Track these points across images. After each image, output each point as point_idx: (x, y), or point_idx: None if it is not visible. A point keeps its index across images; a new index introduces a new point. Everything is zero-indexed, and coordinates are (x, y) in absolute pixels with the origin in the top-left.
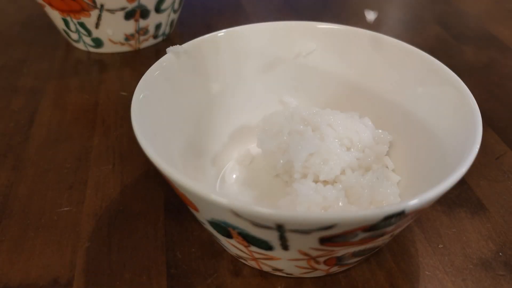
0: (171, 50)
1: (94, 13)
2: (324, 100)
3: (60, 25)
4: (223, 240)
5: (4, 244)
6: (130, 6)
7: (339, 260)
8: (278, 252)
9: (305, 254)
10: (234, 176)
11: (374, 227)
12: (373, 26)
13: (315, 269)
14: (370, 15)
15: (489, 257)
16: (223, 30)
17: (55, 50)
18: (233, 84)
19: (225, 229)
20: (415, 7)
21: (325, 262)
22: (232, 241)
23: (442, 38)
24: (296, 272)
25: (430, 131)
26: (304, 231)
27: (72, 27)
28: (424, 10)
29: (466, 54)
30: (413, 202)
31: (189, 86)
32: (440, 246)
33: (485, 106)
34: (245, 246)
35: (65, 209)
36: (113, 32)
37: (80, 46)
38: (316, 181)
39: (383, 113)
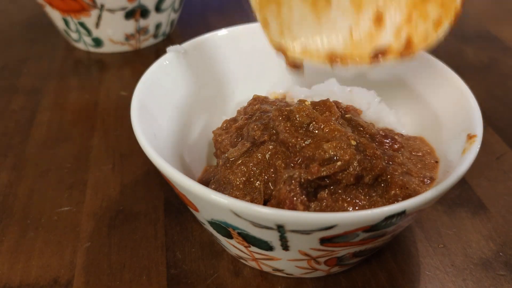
0: (171, 50)
1: (95, 13)
2: None
3: (61, 25)
4: (223, 240)
5: (4, 244)
6: (130, 5)
7: (339, 261)
8: (278, 252)
9: (306, 254)
10: None
11: (375, 228)
12: None
13: (316, 270)
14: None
15: (489, 257)
16: (223, 30)
17: (55, 50)
18: (233, 83)
19: (225, 230)
20: None
21: (325, 263)
22: (232, 241)
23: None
24: (297, 272)
25: (431, 130)
26: (305, 231)
27: (73, 26)
28: None
29: (466, 54)
30: (414, 202)
31: (190, 85)
32: (441, 246)
33: (485, 106)
34: (245, 247)
35: (65, 209)
36: (113, 31)
37: (81, 45)
38: None
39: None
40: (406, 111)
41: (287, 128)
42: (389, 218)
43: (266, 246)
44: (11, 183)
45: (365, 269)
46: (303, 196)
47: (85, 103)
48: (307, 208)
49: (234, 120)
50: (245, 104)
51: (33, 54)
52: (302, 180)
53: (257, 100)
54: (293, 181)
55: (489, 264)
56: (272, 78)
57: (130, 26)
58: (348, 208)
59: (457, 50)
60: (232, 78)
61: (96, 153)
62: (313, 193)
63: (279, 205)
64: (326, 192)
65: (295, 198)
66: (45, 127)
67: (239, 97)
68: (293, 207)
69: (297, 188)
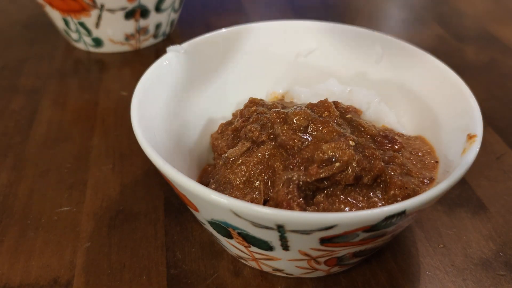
0: (171, 50)
1: (95, 13)
2: None
3: (61, 25)
4: (223, 240)
5: (4, 244)
6: (130, 5)
7: (339, 261)
8: (278, 252)
9: (306, 254)
10: None
11: (375, 228)
12: (374, 26)
13: (316, 270)
14: None
15: (489, 257)
16: (223, 30)
17: (55, 50)
18: (233, 83)
19: (225, 230)
20: (415, 7)
21: (325, 263)
22: (232, 241)
23: (443, 38)
24: (297, 272)
25: (431, 130)
26: (305, 231)
27: (73, 26)
28: (424, 10)
29: (466, 54)
30: (414, 202)
31: (189, 85)
32: (441, 246)
33: (485, 106)
34: (245, 247)
35: (65, 209)
36: (113, 31)
37: (81, 45)
38: None
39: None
40: (406, 111)
41: (284, 131)
42: (389, 218)
43: (266, 246)
44: (11, 183)
45: (365, 269)
46: (301, 199)
47: (85, 103)
48: (304, 211)
49: (230, 123)
50: (242, 106)
51: (33, 54)
52: (301, 182)
53: (253, 103)
54: (291, 184)
55: (489, 264)
56: (272, 78)
57: (130, 26)
58: (346, 210)
59: (457, 50)
60: (232, 78)
61: (96, 153)
62: (311, 196)
63: (277, 207)
64: (323, 195)
65: (292, 201)
66: (45, 127)
67: (239, 96)
68: (290, 210)
69: (295, 191)
